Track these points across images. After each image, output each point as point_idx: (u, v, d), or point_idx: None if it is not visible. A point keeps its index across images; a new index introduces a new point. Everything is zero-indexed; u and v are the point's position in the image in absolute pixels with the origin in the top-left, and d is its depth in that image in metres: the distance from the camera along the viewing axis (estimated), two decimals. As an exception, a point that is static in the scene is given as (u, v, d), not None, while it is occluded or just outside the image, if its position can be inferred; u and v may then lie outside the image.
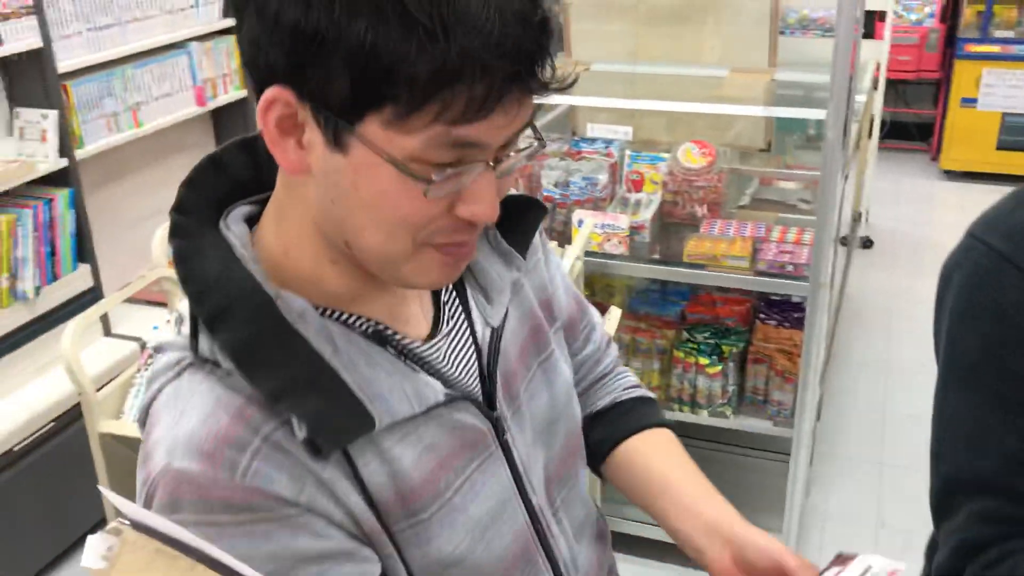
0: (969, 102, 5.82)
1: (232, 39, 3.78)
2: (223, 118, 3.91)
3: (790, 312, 2.77)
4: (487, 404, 0.87)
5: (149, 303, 3.12)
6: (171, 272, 2.14)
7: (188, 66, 3.53)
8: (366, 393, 0.75)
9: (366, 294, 0.81)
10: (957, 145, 5.92)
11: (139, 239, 2.92)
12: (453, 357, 0.86)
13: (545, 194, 2.57)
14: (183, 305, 0.77)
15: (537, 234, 0.98)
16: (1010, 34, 5.91)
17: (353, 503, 0.75)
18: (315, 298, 0.78)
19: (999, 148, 5.84)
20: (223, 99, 3.73)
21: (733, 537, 0.92)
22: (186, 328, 0.76)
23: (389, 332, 0.81)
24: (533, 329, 0.95)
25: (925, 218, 5.47)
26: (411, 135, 0.66)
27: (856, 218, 4.81)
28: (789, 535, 2.60)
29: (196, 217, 0.78)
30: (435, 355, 0.84)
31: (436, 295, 0.88)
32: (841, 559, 0.87)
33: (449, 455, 0.82)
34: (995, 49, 5.77)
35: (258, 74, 0.69)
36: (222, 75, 3.72)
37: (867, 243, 5.01)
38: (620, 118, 2.59)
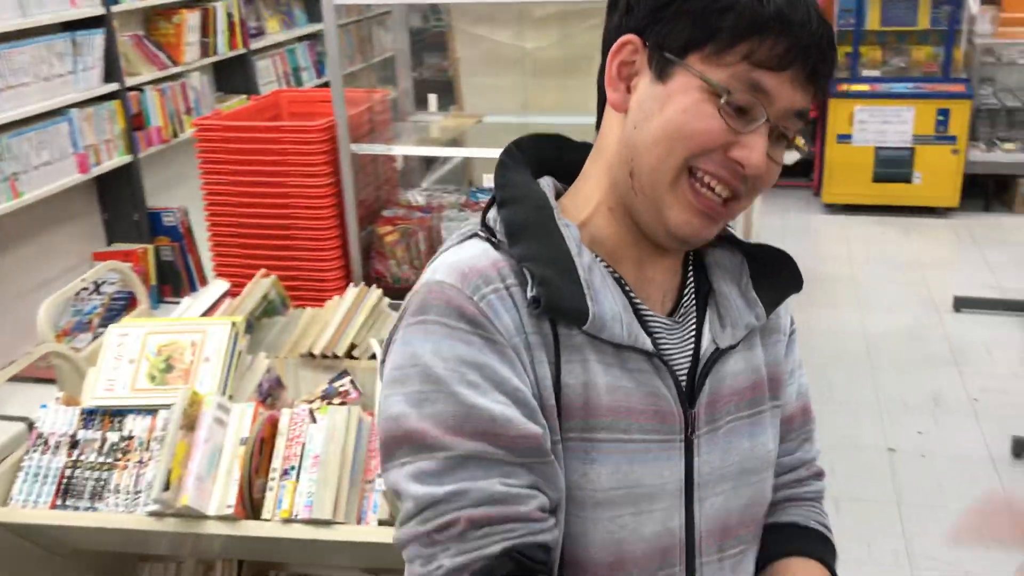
0: (844, 138, 6.09)
1: (115, 103, 3.68)
2: (108, 185, 3.79)
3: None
4: (684, 419, 0.93)
5: (36, 380, 2.97)
6: (59, 346, 2.04)
7: (69, 133, 3.43)
8: (591, 292, 0.88)
9: (624, 253, 0.95)
10: (836, 179, 6.17)
11: (22, 315, 2.79)
12: (672, 341, 0.95)
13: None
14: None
15: (787, 322, 1.07)
16: (877, 73, 6.24)
17: (543, 377, 0.87)
18: (583, 239, 0.92)
19: (875, 180, 6.12)
20: (107, 165, 3.63)
21: None
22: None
23: (627, 287, 0.94)
24: (753, 383, 1.00)
25: (811, 251, 5.67)
26: (721, 68, 0.85)
27: (747, 255, 4.93)
28: None
29: (515, 164, 0.97)
30: (660, 326, 0.95)
31: (679, 297, 0.98)
32: None
33: (639, 408, 0.90)
34: (864, 88, 6.08)
35: (616, 30, 0.92)
36: (104, 140, 3.63)
37: (759, 278, 5.14)
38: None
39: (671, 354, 0.94)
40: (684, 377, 0.95)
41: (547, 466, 0.86)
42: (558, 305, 0.87)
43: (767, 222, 5.65)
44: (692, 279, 1.00)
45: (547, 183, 0.97)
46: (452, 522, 0.81)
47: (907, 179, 6.08)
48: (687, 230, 0.90)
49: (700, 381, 0.95)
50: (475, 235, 0.94)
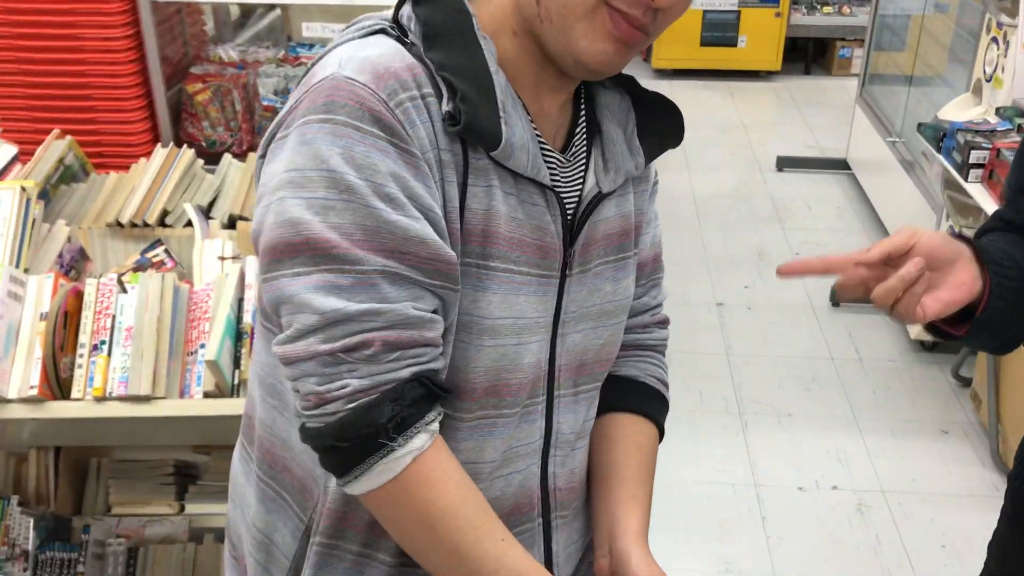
0: (672, 2, 6.09)
1: None
2: None
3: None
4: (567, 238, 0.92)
5: None
6: None
7: None
8: (506, 116, 0.83)
9: (524, 81, 0.88)
10: (665, 44, 6.20)
11: None
12: (562, 180, 0.92)
13: (265, 103, 2.39)
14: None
15: (654, 169, 1.04)
16: (703, -65, 6.23)
17: (451, 198, 0.83)
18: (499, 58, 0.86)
19: (702, 44, 6.19)
20: None
21: (616, 552, 0.98)
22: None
23: (530, 117, 0.88)
24: (622, 230, 0.98)
25: (642, 116, 5.71)
26: None
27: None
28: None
29: None
30: (554, 163, 0.91)
31: (569, 135, 0.94)
32: None
33: (528, 241, 0.88)
34: (691, -50, 6.06)
35: None
36: None
37: (592, 144, 5.16)
38: (336, 16, 2.43)
39: (561, 191, 0.91)
40: (569, 216, 0.92)
41: (452, 293, 0.84)
42: (474, 125, 0.81)
43: (599, 88, 5.65)
44: (584, 118, 0.96)
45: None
46: (365, 342, 0.78)
47: (733, 43, 6.17)
48: (601, 58, 0.84)
49: (580, 222, 0.93)
50: (382, 31, 0.86)
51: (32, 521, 1.75)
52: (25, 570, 1.74)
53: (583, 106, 0.96)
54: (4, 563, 1.75)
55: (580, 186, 0.94)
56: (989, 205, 2.75)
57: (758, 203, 4.55)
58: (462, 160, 0.83)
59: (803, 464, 2.84)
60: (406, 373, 0.80)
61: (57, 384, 1.53)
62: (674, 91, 6.03)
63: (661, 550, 2.83)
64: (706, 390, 3.18)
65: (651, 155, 0.98)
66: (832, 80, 6.39)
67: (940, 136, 3.09)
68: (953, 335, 1.04)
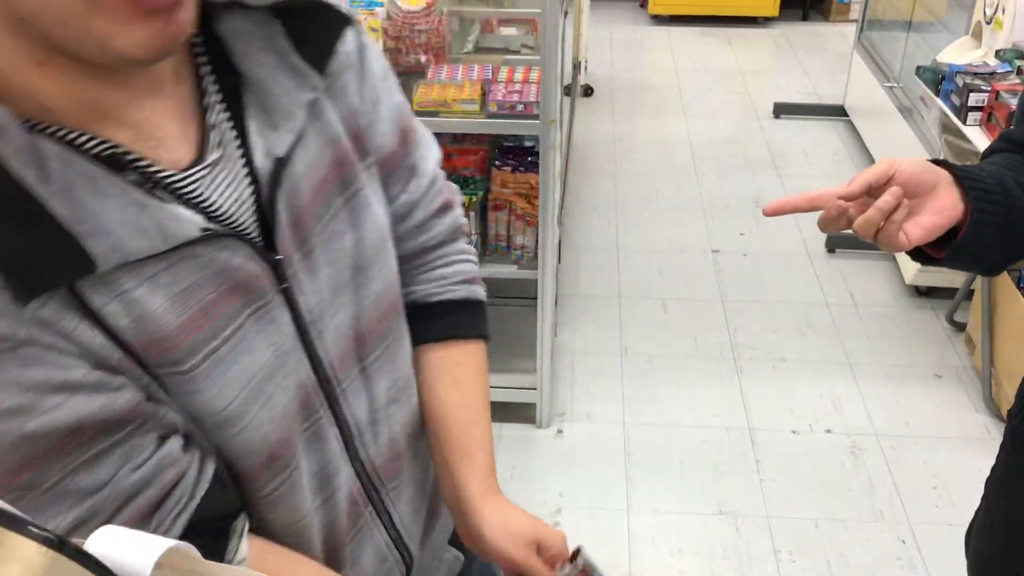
0: (669, -54, 6.01)
1: None
2: None
3: (524, 157, 2.75)
4: (266, 245, 0.76)
5: None
6: None
7: None
8: (84, 227, 0.62)
9: (100, 107, 0.66)
10: (662, -10, 6.12)
11: None
12: (220, 189, 0.73)
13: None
14: None
15: (351, 48, 0.84)
16: None
17: (86, 338, 0.64)
18: (35, 114, 0.63)
19: (699, -10, 6.11)
20: None
21: (470, 520, 0.95)
22: None
23: (129, 156, 0.67)
24: (337, 160, 0.82)
25: (637, 62, 5.65)
26: None
27: (576, 67, 4.88)
28: (542, 374, 2.66)
29: None
30: (192, 185, 0.71)
31: (203, 116, 0.74)
32: (578, 561, 0.97)
33: (214, 301, 0.71)
34: None
35: None
36: None
37: (588, 91, 5.11)
38: None
39: (224, 207, 0.73)
40: (252, 225, 0.75)
41: (155, 418, 0.70)
42: (42, 279, 0.61)
43: (594, 34, 5.58)
44: (216, 84, 0.75)
45: None
46: None
47: (730, -12, 6.10)
48: (143, 46, 0.62)
49: (271, 213, 0.75)
50: None
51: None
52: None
53: (204, 60, 0.75)
54: None
55: (247, 175, 0.75)
56: (987, 149, 2.73)
57: (755, 150, 4.52)
58: (68, 301, 0.63)
59: (797, 408, 2.86)
60: (177, 532, 0.70)
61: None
62: (671, 37, 5.99)
63: (656, 493, 2.87)
64: (701, 336, 3.18)
65: (323, 57, 0.79)
66: (830, 26, 6.32)
67: (939, 79, 3.06)
68: (936, 259, 1.04)
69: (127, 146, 0.67)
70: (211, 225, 0.70)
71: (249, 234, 0.74)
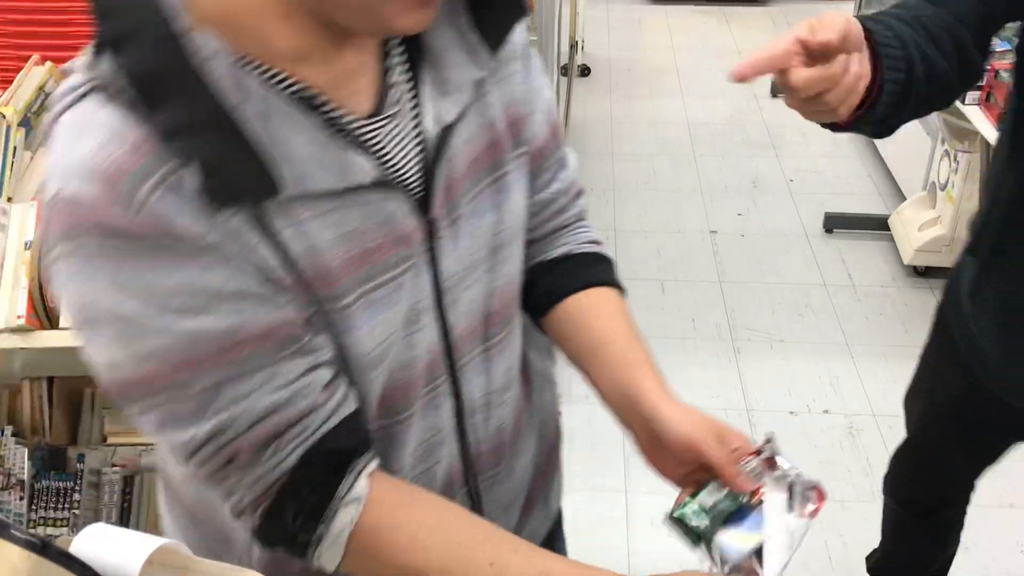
0: (666, -76, 5.94)
1: None
2: None
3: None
4: (423, 207, 0.81)
5: None
6: None
7: None
8: (276, 152, 0.68)
9: (311, 57, 0.73)
10: (659, -32, 6.07)
11: None
12: (393, 143, 0.79)
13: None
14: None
15: (520, 40, 0.89)
16: None
17: (265, 258, 0.70)
18: (251, 52, 0.70)
19: (697, -32, 6.06)
20: None
21: (650, 416, 0.89)
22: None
23: (321, 99, 0.73)
24: (491, 143, 0.86)
25: (634, 42, 5.62)
26: None
27: (573, 47, 4.85)
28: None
29: None
30: (372, 135, 0.77)
31: (384, 75, 0.80)
32: (764, 451, 0.90)
33: (373, 249, 0.76)
34: None
35: None
36: None
37: (585, 71, 5.08)
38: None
39: (395, 161, 0.78)
40: (416, 182, 0.80)
41: (312, 342, 0.74)
42: (236, 188, 0.67)
43: (591, 14, 5.54)
44: (400, 48, 0.81)
45: None
46: (231, 455, 0.72)
47: (727, -34, 6.05)
48: (419, 26, 0.72)
49: (431, 176, 0.80)
50: (93, 90, 0.68)
51: (27, 451, 1.76)
52: (22, 499, 1.75)
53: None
54: (0, 493, 1.76)
55: (417, 135, 0.80)
56: (986, 128, 2.72)
57: (753, 130, 4.50)
58: (253, 215, 0.69)
59: (795, 389, 2.86)
60: (293, 460, 0.73)
61: (45, 313, 1.52)
62: (669, 17, 5.95)
63: (655, 475, 2.84)
64: (699, 317, 3.18)
65: (497, 40, 0.83)
66: (829, 5, 6.26)
67: (937, 58, 3.04)
68: (839, 126, 1.04)
69: (321, 91, 0.73)
70: (383, 175, 0.76)
71: (412, 190, 0.80)
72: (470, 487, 0.96)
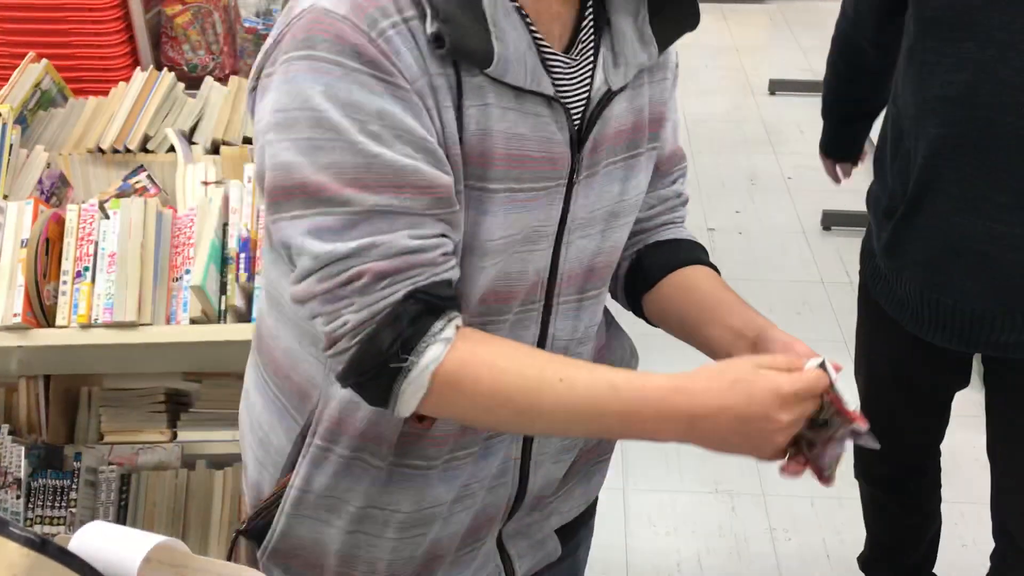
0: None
1: None
2: None
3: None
4: (576, 144, 0.90)
5: None
6: None
7: None
8: (497, 31, 0.79)
9: None
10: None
11: None
12: (569, 82, 0.89)
13: (247, 25, 2.33)
14: None
15: (675, 55, 1.01)
16: None
17: (448, 122, 0.80)
18: None
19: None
20: None
21: (761, 336, 0.97)
22: None
23: (528, 21, 0.84)
24: (636, 125, 0.96)
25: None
26: None
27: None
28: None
29: None
30: (559, 66, 0.88)
31: (575, 31, 0.90)
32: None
33: (532, 155, 0.85)
34: None
35: None
36: None
37: (582, 68, 5.08)
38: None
39: (568, 96, 0.89)
40: (577, 120, 0.90)
41: (454, 215, 0.83)
42: (462, 45, 0.78)
43: (589, 11, 5.55)
44: (591, 11, 0.92)
45: None
46: (356, 275, 0.78)
47: (725, -37, 6.04)
48: None
49: (590, 124, 0.91)
50: None
51: (23, 449, 1.75)
52: (18, 497, 1.75)
53: None
54: (-3, 491, 1.76)
55: (588, 86, 0.91)
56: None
57: (750, 127, 4.50)
58: (455, 82, 0.80)
59: (793, 386, 2.86)
60: (400, 294, 0.79)
61: (42, 311, 1.52)
62: (665, 14, 5.95)
63: (652, 472, 2.86)
64: None
65: (666, 42, 0.93)
66: (825, 2, 6.26)
67: (935, 55, 3.05)
68: None
69: (529, 8, 0.84)
70: (560, 96, 0.87)
71: (576, 123, 0.89)
72: (525, 439, 1.02)
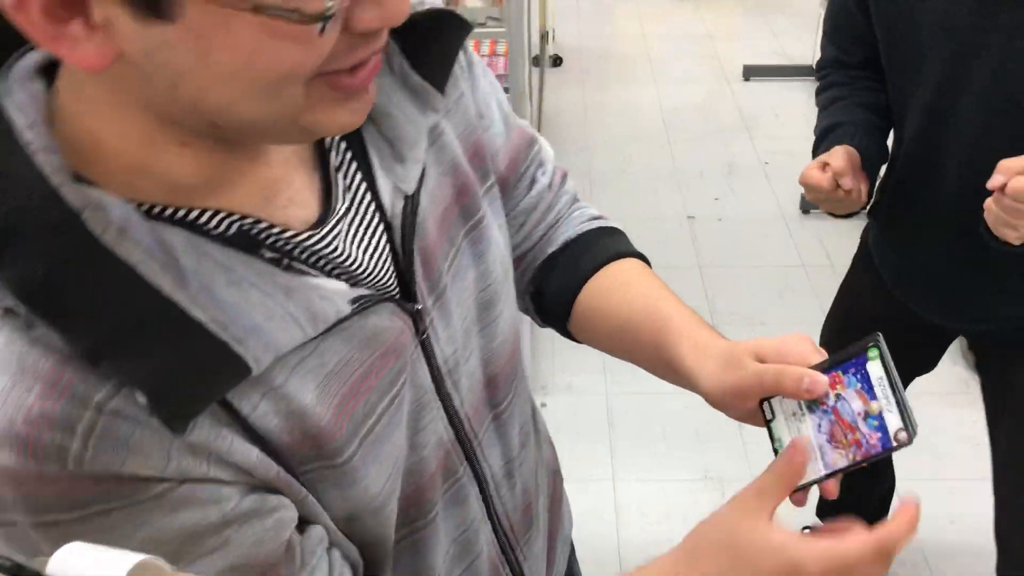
0: (633, -89, 5.93)
1: None
2: None
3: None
4: (404, 295, 0.68)
5: None
6: None
7: None
8: (233, 330, 0.54)
9: (227, 178, 0.59)
10: (627, -44, 6.06)
11: None
12: (357, 241, 0.65)
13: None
14: None
15: (460, 57, 0.76)
16: None
17: (241, 456, 0.57)
18: (149, 194, 0.55)
19: (665, -45, 6.05)
20: None
21: (695, 388, 0.79)
22: None
23: (260, 228, 0.59)
24: (459, 190, 0.74)
25: (605, 30, 5.61)
26: None
27: (544, 37, 4.84)
28: (523, 348, 2.65)
29: None
30: (330, 245, 0.63)
31: (325, 162, 0.66)
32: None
33: (364, 375, 0.63)
34: None
35: None
36: None
37: (557, 61, 5.07)
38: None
39: (362, 263, 0.65)
40: (389, 275, 0.67)
41: (307, 548, 0.63)
42: (195, 399, 0.53)
43: (561, 3, 5.53)
44: (331, 140, 0.69)
45: (27, 95, 0.53)
46: None
47: (695, -49, 6.04)
48: (344, 126, 0.59)
49: (407, 259, 0.68)
50: None
51: None
52: None
53: None
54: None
55: (379, 222, 0.67)
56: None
57: (726, 114, 4.51)
58: (220, 408, 0.56)
59: (778, 371, 2.87)
60: None
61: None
62: (640, 4, 5.94)
63: (641, 462, 2.86)
64: None
65: (443, 73, 0.70)
66: (797, -14, 6.30)
67: (906, 36, 3.06)
68: None
69: (256, 214, 0.60)
70: (358, 291, 0.63)
71: (388, 288, 0.67)
72: (512, 566, 0.88)
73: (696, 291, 3.24)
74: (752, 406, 0.77)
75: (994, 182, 1.13)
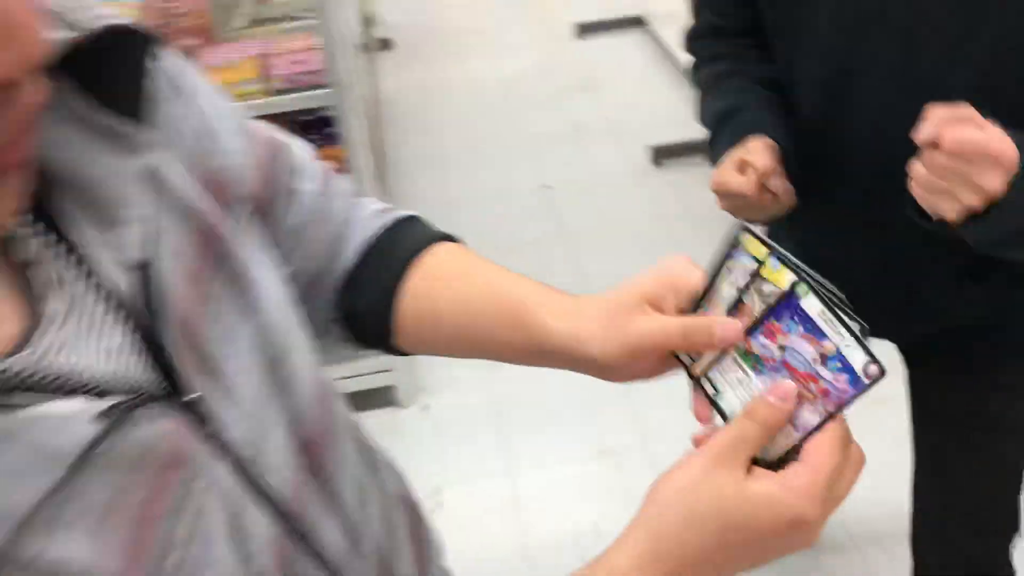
0: None
1: None
2: None
3: (325, 129, 2.58)
4: (171, 387, 0.54)
5: None
6: None
7: None
8: None
9: None
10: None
11: None
12: (90, 344, 0.51)
13: None
14: None
15: (159, 74, 0.60)
16: None
17: None
18: None
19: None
20: None
21: (632, 296, 0.70)
22: None
23: None
24: (204, 235, 0.59)
25: (434, 6, 5.49)
26: None
27: (367, 21, 4.68)
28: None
29: None
30: (51, 360, 0.48)
31: (16, 252, 0.51)
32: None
33: (145, 502, 0.50)
34: None
35: None
36: None
37: (387, 44, 4.92)
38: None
39: (103, 365, 0.51)
40: (143, 369, 0.54)
41: None
42: None
43: (383, -16, 5.38)
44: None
45: None
46: None
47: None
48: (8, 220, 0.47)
49: (157, 342, 0.54)
50: None
51: None
52: None
53: None
54: None
55: (103, 298, 0.53)
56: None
57: (565, 76, 4.46)
58: None
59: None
60: None
61: None
62: (460, -26, 5.84)
63: (534, 449, 2.76)
64: (551, 277, 2.98)
65: (137, 106, 0.57)
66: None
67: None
68: None
69: None
70: (104, 403, 0.49)
71: (149, 386, 0.53)
72: None
73: (562, 260, 3.18)
74: (648, 364, 0.69)
75: (924, 134, 0.92)
